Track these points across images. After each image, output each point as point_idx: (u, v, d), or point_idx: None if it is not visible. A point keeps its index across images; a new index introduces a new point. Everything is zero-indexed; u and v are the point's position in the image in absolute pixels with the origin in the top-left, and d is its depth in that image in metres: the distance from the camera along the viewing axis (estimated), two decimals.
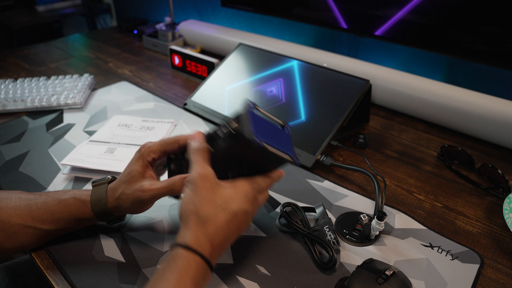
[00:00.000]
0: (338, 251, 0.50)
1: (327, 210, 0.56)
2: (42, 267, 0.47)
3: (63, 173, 0.64)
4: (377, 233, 0.52)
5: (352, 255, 0.50)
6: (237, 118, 0.42)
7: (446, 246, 0.52)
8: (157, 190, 0.45)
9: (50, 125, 0.79)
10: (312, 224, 0.54)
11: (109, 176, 0.50)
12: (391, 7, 0.80)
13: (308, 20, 0.96)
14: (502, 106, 0.72)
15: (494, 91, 0.78)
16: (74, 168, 0.64)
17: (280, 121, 0.48)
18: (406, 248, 0.51)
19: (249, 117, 0.42)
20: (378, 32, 0.83)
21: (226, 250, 0.49)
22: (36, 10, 1.82)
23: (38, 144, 0.72)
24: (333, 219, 0.56)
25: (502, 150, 0.74)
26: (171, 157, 0.49)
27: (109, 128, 0.76)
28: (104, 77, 1.03)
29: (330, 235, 0.50)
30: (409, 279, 0.45)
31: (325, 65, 0.83)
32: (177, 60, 1.05)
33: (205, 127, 0.79)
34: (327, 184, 0.63)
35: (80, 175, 0.63)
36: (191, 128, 0.79)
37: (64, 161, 0.64)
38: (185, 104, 0.87)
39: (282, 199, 0.59)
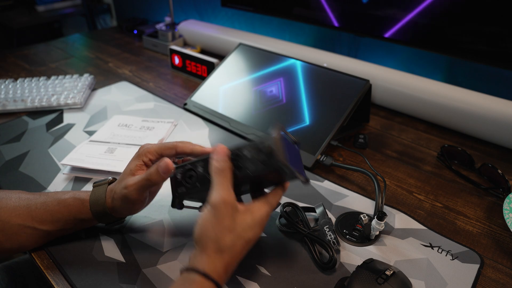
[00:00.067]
0: (338, 251, 0.50)
1: (327, 210, 0.56)
2: (42, 267, 0.47)
3: (63, 173, 0.64)
4: (377, 233, 0.52)
5: (352, 255, 0.50)
6: (270, 142, 0.40)
7: (446, 246, 0.52)
8: (136, 183, 0.44)
9: (50, 125, 0.79)
10: (312, 224, 0.54)
11: (110, 177, 0.50)
12: (391, 7, 0.80)
13: (308, 20, 0.96)
14: (502, 106, 0.72)
15: (494, 91, 0.78)
16: (74, 168, 0.64)
17: (294, 138, 0.47)
18: (406, 248, 0.51)
19: (282, 143, 0.40)
20: (379, 33, 0.83)
21: None
22: (36, 10, 1.82)
23: (38, 144, 0.72)
24: (333, 219, 0.56)
25: (502, 150, 0.74)
26: (175, 166, 0.47)
27: (109, 128, 0.76)
28: (104, 77, 1.03)
29: (330, 235, 0.50)
30: (409, 279, 0.45)
31: (325, 65, 0.83)
32: (177, 60, 1.05)
33: (205, 127, 0.79)
34: (327, 184, 0.63)
35: (80, 175, 0.63)
36: (191, 128, 0.79)
37: (64, 161, 0.64)
38: (185, 104, 0.87)
39: (282, 199, 0.59)
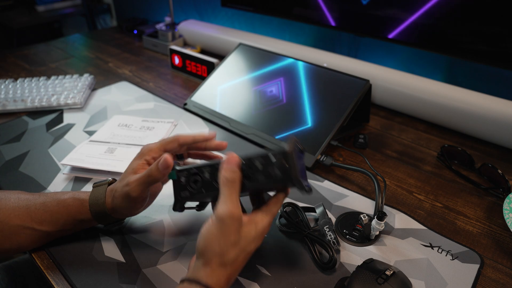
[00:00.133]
0: (338, 251, 0.50)
1: (327, 210, 0.56)
2: (42, 267, 0.47)
3: (63, 173, 0.64)
4: (377, 233, 0.52)
5: (352, 255, 0.50)
6: (284, 157, 0.40)
7: (446, 246, 0.52)
8: (137, 179, 0.44)
9: (50, 125, 0.79)
10: (312, 224, 0.54)
11: (110, 178, 0.50)
12: (391, 7, 0.80)
13: (307, 20, 0.96)
14: (502, 106, 0.72)
15: (494, 91, 0.78)
16: (74, 168, 0.64)
17: (302, 147, 0.47)
18: (406, 248, 0.51)
19: (295, 157, 0.40)
20: (379, 34, 0.83)
21: None
22: (36, 10, 1.82)
23: (38, 144, 0.72)
24: (333, 219, 0.56)
25: (502, 150, 0.74)
26: (179, 169, 0.46)
27: (109, 128, 0.76)
28: (104, 77, 1.03)
29: (330, 235, 0.50)
30: (409, 279, 0.45)
31: (325, 65, 0.83)
32: (177, 60, 1.05)
33: (205, 127, 0.79)
34: (327, 184, 0.63)
35: (80, 175, 0.63)
36: (191, 128, 0.79)
37: (64, 161, 0.64)
38: (185, 104, 0.87)
39: None
